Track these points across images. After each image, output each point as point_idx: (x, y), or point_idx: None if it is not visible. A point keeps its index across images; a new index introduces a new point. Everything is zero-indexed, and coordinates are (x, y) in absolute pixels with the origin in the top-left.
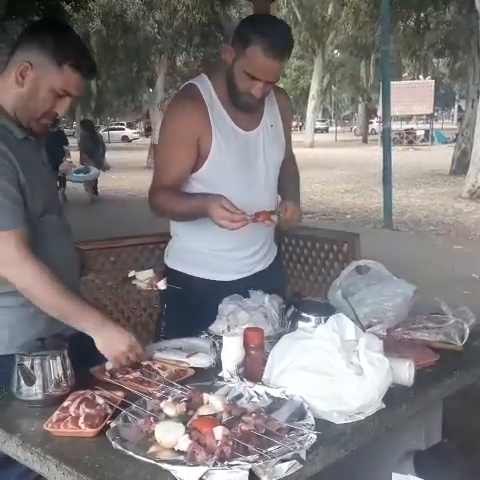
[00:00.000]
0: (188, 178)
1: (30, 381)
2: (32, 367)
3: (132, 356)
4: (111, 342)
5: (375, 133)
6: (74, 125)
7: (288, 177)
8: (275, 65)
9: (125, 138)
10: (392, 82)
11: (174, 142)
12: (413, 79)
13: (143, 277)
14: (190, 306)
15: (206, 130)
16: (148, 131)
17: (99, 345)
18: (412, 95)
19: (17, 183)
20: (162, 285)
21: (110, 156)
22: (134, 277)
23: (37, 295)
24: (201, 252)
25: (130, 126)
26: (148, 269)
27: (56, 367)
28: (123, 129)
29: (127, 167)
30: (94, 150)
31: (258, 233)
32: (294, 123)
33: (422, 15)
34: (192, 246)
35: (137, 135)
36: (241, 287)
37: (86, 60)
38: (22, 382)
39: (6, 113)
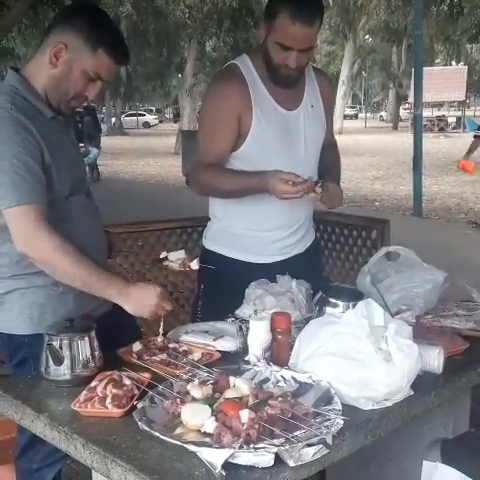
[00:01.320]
0: (229, 156)
1: (58, 361)
2: (60, 347)
3: (166, 305)
4: (140, 301)
5: (401, 120)
6: (103, 110)
7: (330, 162)
8: (305, 31)
9: (146, 124)
10: (424, 68)
11: (216, 120)
12: (445, 65)
13: (175, 257)
14: (226, 287)
15: (247, 108)
16: (176, 117)
17: (130, 309)
18: (444, 81)
19: (42, 162)
20: (195, 265)
21: (138, 141)
22: (166, 258)
23: (58, 266)
24: (239, 233)
25: (158, 111)
26: (180, 250)
27: (84, 347)
28: (144, 115)
29: (156, 152)
30: (94, 134)
31: (297, 213)
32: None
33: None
34: (230, 227)
35: (157, 121)
36: (278, 270)
37: (120, 46)
38: (50, 362)
39: (36, 93)
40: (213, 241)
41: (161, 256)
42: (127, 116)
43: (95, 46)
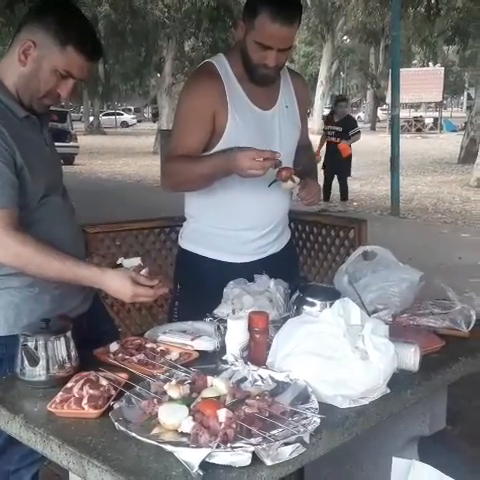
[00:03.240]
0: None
1: (34, 362)
2: (36, 348)
3: (142, 291)
4: (118, 287)
5: (379, 121)
6: (81, 110)
7: (304, 160)
8: (284, 31)
9: (124, 123)
10: (401, 69)
11: (190, 117)
12: (422, 66)
13: (129, 265)
14: (203, 287)
15: (222, 106)
16: (155, 116)
17: (111, 293)
18: (421, 82)
19: (13, 163)
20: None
21: (117, 141)
22: (121, 264)
23: (26, 270)
24: (215, 233)
25: (137, 111)
26: (136, 257)
27: (60, 348)
28: (122, 114)
29: (134, 152)
30: None
31: (272, 213)
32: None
33: (432, 1)
34: (206, 227)
35: (135, 121)
36: (254, 269)
37: (90, 42)
38: (26, 363)
39: (8, 92)
40: (189, 241)
41: (118, 262)
42: (105, 115)
43: (64, 43)
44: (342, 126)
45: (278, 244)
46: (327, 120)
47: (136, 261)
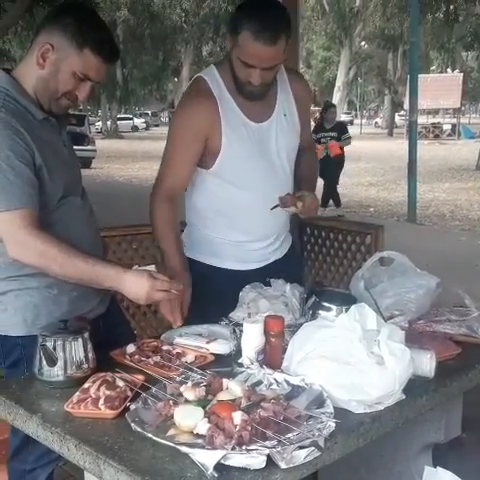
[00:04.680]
0: (204, 176)
1: (52, 362)
2: (54, 348)
3: (158, 294)
4: (136, 288)
5: (396, 126)
6: (99, 113)
7: (305, 166)
8: (267, 50)
9: (135, 128)
10: (420, 75)
11: (182, 143)
12: (441, 72)
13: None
14: (208, 295)
15: (215, 127)
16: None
17: (129, 296)
18: (439, 88)
19: (32, 164)
20: None
21: (133, 145)
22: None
23: (48, 270)
24: (218, 242)
25: (154, 115)
26: (151, 264)
27: (78, 349)
28: (131, 119)
29: (150, 156)
30: None
31: (273, 225)
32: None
33: (451, 7)
34: (210, 236)
35: (145, 125)
36: (258, 276)
37: (107, 44)
38: (44, 363)
39: (27, 94)
40: (193, 249)
41: (133, 269)
42: (117, 120)
43: (81, 45)
44: (336, 132)
45: (280, 251)
46: (317, 127)
47: (150, 268)
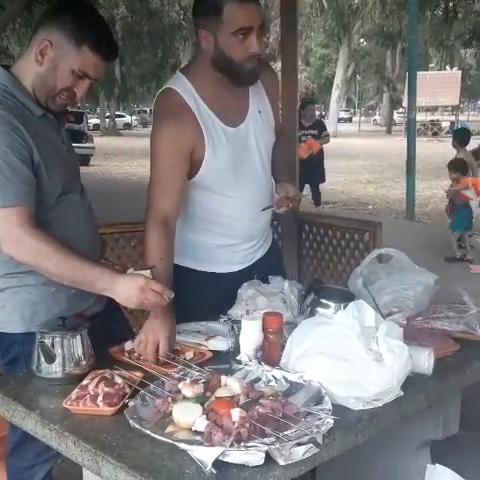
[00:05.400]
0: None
1: (50, 359)
2: (52, 345)
3: (150, 295)
4: (125, 293)
5: (395, 124)
6: (97, 111)
7: (280, 158)
8: (253, 6)
9: (127, 125)
10: (418, 72)
11: (167, 166)
12: (440, 70)
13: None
14: (190, 299)
15: (199, 139)
16: None
17: (119, 300)
18: (438, 86)
19: (30, 161)
20: None
21: (132, 142)
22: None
23: (42, 268)
24: (206, 247)
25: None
26: (147, 269)
27: (76, 346)
28: (124, 116)
29: (149, 154)
30: None
31: (259, 226)
32: (317, 112)
33: (450, 4)
34: (194, 239)
35: (136, 122)
36: (243, 277)
37: (106, 42)
38: (42, 360)
39: (26, 91)
40: (182, 256)
41: (128, 272)
42: (107, 118)
43: (79, 43)
44: (316, 129)
45: (263, 248)
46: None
47: (145, 272)
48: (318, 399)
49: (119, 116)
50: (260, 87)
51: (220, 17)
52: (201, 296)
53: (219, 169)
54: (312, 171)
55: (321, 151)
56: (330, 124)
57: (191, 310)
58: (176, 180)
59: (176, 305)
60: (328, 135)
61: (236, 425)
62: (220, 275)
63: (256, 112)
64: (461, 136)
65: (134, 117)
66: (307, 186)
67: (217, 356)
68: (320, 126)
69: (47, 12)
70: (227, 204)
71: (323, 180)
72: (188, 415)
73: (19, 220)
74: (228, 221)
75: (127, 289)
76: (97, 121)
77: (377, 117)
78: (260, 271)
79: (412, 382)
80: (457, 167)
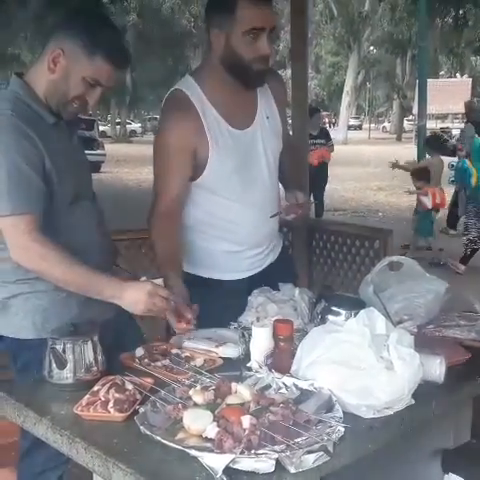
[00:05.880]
0: (190, 188)
1: (62, 365)
2: (64, 351)
3: (157, 300)
4: (132, 300)
5: (405, 131)
6: (108, 118)
7: (289, 163)
8: (267, 8)
9: (133, 132)
10: (428, 80)
11: (169, 160)
12: (450, 77)
13: None
14: (205, 308)
15: (202, 139)
16: None
17: (127, 308)
18: (448, 93)
19: (41, 168)
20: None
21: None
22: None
23: (48, 275)
24: (212, 253)
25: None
26: (159, 278)
27: (87, 352)
28: (130, 124)
29: None
30: None
31: (266, 233)
32: (327, 119)
33: (460, 12)
34: (200, 247)
35: (141, 129)
36: (254, 283)
37: (118, 51)
38: (54, 365)
39: (38, 98)
40: (187, 262)
41: (141, 280)
42: (118, 124)
43: (92, 52)
44: (323, 139)
45: (273, 255)
46: None
47: (158, 281)
48: (329, 407)
49: (126, 123)
50: (268, 94)
51: (233, 15)
52: (206, 303)
53: (224, 172)
54: (316, 181)
55: (325, 162)
56: (340, 131)
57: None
58: (178, 176)
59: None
60: (333, 145)
61: (246, 432)
62: (226, 282)
63: (264, 117)
64: (434, 142)
65: (139, 124)
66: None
67: (227, 363)
68: (326, 135)
69: (60, 21)
70: (231, 208)
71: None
72: (199, 422)
73: (27, 228)
74: (232, 226)
75: (134, 296)
76: (105, 128)
77: (386, 124)
78: (270, 278)
79: (423, 390)
80: (420, 175)
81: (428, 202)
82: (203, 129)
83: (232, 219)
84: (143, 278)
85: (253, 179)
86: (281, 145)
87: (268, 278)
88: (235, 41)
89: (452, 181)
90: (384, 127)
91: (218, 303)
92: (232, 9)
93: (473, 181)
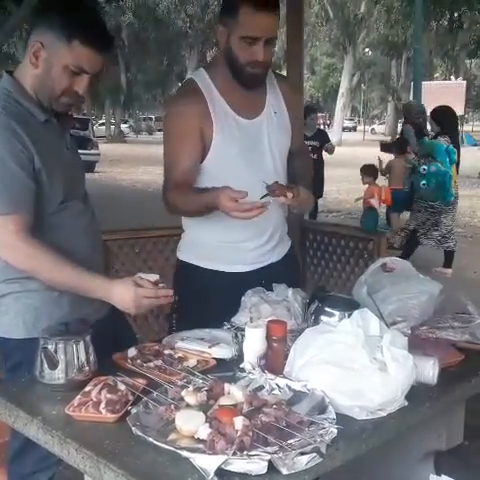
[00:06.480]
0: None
1: (53, 365)
2: (55, 351)
3: (144, 302)
4: (123, 299)
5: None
6: (103, 117)
7: (301, 169)
8: (269, 18)
9: (120, 133)
10: (423, 82)
11: (177, 138)
12: (444, 79)
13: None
14: (202, 298)
15: (207, 122)
16: None
17: (117, 304)
18: (443, 96)
19: (30, 167)
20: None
21: (137, 149)
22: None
23: (37, 274)
24: (212, 244)
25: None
26: (155, 274)
27: (79, 352)
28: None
29: (155, 160)
30: None
31: (267, 222)
32: (321, 121)
33: (455, 14)
34: (202, 239)
35: (128, 130)
36: (254, 279)
37: (96, 33)
38: (45, 366)
39: (29, 95)
40: (186, 252)
41: (136, 276)
42: (101, 125)
43: (69, 38)
44: (318, 140)
45: (277, 253)
46: None
47: (153, 277)
48: (322, 408)
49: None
50: (278, 91)
51: (235, 18)
52: (205, 294)
53: (227, 157)
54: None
55: (322, 164)
56: (335, 133)
57: (206, 309)
58: (187, 153)
59: (190, 302)
60: (333, 146)
61: (239, 433)
62: (228, 274)
63: (272, 111)
64: (399, 146)
65: (125, 125)
66: None
67: (220, 364)
68: (322, 136)
69: (37, 14)
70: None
71: (320, 194)
72: (191, 423)
73: (15, 227)
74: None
75: (122, 293)
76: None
77: (375, 126)
78: (271, 276)
79: (416, 392)
80: (369, 172)
81: (375, 203)
82: (209, 113)
83: None
84: (139, 274)
85: (256, 168)
86: (288, 144)
87: (270, 274)
88: (233, 42)
89: (424, 185)
90: (373, 129)
91: (220, 294)
92: (235, 12)
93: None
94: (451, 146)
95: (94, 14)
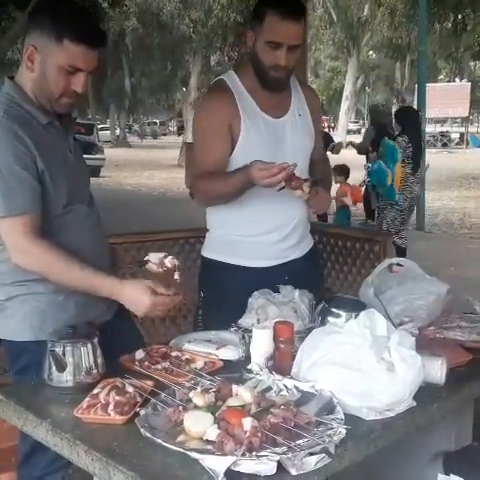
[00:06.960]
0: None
1: (61, 368)
2: (64, 354)
3: (160, 301)
4: (134, 301)
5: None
6: (107, 122)
7: (320, 175)
8: (293, 26)
9: (117, 138)
10: (428, 84)
11: (207, 132)
12: (449, 81)
13: (155, 257)
14: (226, 293)
15: (235, 116)
16: (180, 129)
17: (127, 305)
18: (447, 98)
19: (34, 169)
20: (168, 262)
21: (142, 153)
22: (148, 260)
23: (48, 275)
24: (235, 240)
25: (162, 124)
26: (163, 253)
27: (87, 354)
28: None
29: (158, 165)
30: None
31: (288, 215)
32: (326, 124)
33: (459, 16)
34: (226, 235)
35: (122, 135)
36: (276, 274)
37: (87, 30)
38: (53, 368)
39: (30, 99)
40: (211, 249)
41: (145, 258)
42: (102, 130)
43: (59, 37)
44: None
45: (300, 249)
46: None
47: (161, 254)
48: (330, 409)
49: (106, 129)
50: (302, 97)
51: (261, 23)
52: (230, 290)
53: (252, 151)
54: None
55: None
56: (340, 136)
57: (221, 304)
58: (217, 141)
59: (216, 298)
60: (336, 146)
61: (248, 434)
62: (252, 269)
63: (296, 114)
64: (341, 170)
65: (121, 130)
66: None
67: (228, 365)
68: (327, 139)
69: (28, 17)
70: (252, 192)
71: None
72: (199, 424)
73: (25, 229)
74: (250, 204)
75: (134, 298)
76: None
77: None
78: (293, 272)
79: (424, 392)
80: (341, 171)
81: (349, 201)
82: (237, 109)
83: (254, 198)
84: (148, 256)
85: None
86: (311, 145)
87: (291, 271)
88: (259, 46)
89: (369, 182)
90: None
91: (246, 289)
92: (262, 18)
93: (388, 180)
94: (396, 145)
95: (82, 11)
